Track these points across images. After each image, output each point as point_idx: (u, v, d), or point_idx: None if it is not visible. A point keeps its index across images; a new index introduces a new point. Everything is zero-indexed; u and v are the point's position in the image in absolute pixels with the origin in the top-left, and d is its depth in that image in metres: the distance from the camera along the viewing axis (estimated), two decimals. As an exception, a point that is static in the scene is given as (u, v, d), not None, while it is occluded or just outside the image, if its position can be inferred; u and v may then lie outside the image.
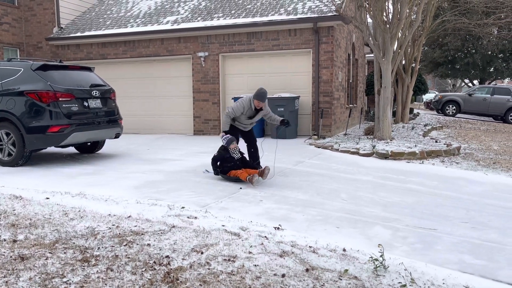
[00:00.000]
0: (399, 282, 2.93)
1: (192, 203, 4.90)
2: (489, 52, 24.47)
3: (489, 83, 26.25)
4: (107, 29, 13.09)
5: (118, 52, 12.98)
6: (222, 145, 6.34)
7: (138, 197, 5.12)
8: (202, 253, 3.30)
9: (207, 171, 6.65)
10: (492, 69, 26.07)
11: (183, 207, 4.62)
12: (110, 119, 8.02)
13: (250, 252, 3.34)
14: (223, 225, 3.99)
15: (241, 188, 5.71)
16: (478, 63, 24.78)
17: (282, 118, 6.49)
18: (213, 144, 9.06)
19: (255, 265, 3.10)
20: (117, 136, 8.34)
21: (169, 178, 6.30)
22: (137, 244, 3.45)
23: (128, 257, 3.19)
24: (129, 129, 12.45)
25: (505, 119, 19.08)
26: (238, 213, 4.55)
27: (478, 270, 3.31)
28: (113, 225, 3.95)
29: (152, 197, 5.12)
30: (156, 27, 12.37)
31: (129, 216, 4.23)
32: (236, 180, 6.04)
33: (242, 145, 6.58)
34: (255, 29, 11.36)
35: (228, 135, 6.27)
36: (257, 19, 11.34)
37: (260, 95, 6.14)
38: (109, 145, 9.60)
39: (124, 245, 3.42)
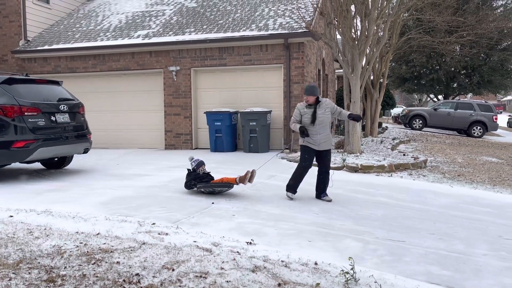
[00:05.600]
0: (370, 295, 2.97)
1: (163, 219, 4.83)
2: (452, 69, 25.51)
3: (453, 98, 27.26)
4: (76, 42, 12.88)
5: (88, 65, 12.77)
6: (191, 170, 6.38)
7: (107, 213, 5.00)
8: (173, 270, 3.25)
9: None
10: (455, 85, 27.13)
11: (153, 223, 4.54)
12: (79, 133, 7.85)
13: (222, 268, 3.31)
14: (194, 241, 3.94)
15: (213, 203, 5.67)
16: (442, 79, 25.75)
17: (349, 113, 6.03)
18: (184, 159, 8.96)
19: (227, 281, 3.08)
20: (85, 151, 8.15)
21: (139, 194, 6.19)
22: (106, 262, 3.37)
23: (97, 276, 3.10)
24: (99, 144, 12.18)
25: (468, 132, 19.82)
26: (210, 229, 4.51)
27: (445, 281, 3.39)
28: (81, 243, 3.84)
29: (122, 214, 5.02)
30: (127, 41, 12.27)
31: (98, 234, 4.13)
32: (223, 186, 6.04)
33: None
34: (227, 44, 11.45)
35: (198, 158, 6.41)
36: (229, 34, 11.44)
37: (307, 89, 5.78)
38: (78, 161, 9.37)
39: (92, 264, 3.33)
